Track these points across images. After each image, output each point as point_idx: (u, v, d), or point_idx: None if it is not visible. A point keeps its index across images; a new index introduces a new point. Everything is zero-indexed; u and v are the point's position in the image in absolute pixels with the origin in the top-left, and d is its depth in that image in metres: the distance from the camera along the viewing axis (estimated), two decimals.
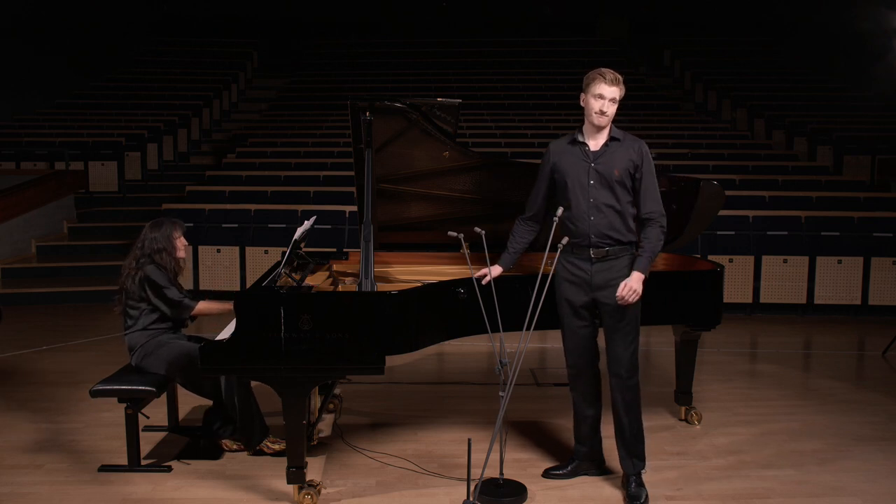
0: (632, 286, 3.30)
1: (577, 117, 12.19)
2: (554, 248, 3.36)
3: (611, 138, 3.38)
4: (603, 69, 3.33)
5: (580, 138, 3.41)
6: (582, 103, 3.38)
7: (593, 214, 3.34)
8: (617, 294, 3.31)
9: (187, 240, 4.01)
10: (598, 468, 3.66)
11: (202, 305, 3.86)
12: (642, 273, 3.32)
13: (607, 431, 3.64)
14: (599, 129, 3.36)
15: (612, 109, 3.31)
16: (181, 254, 3.90)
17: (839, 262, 7.41)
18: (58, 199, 9.56)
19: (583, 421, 3.60)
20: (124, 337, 3.84)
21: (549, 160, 3.48)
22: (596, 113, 3.30)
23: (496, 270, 3.59)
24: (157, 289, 3.75)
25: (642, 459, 3.52)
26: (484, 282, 3.54)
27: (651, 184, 3.38)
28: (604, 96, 3.28)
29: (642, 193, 3.36)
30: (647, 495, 3.43)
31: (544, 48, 15.76)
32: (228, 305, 3.91)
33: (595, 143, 3.39)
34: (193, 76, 14.33)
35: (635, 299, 3.32)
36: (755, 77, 14.00)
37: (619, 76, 3.33)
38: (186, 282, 7.56)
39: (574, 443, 3.67)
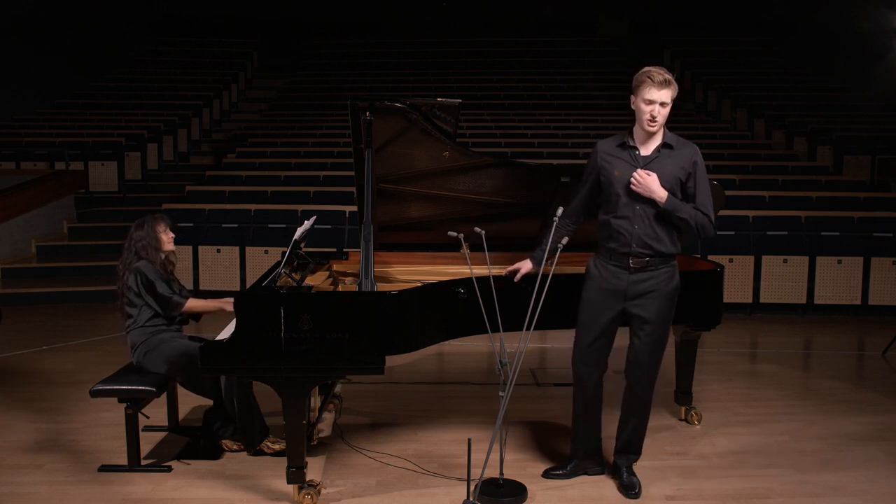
0: (648, 180, 3.14)
1: (577, 117, 12.21)
2: (554, 249, 3.36)
3: (663, 144, 3.26)
4: (652, 70, 3.18)
5: (630, 142, 3.29)
6: (633, 106, 3.25)
7: (638, 223, 3.23)
8: (635, 173, 3.17)
9: (188, 240, 4.02)
10: (597, 466, 3.65)
11: (192, 303, 3.87)
12: (666, 198, 3.16)
13: (607, 432, 3.64)
14: (651, 134, 3.25)
15: (663, 113, 3.17)
16: (169, 247, 3.91)
17: (839, 262, 7.41)
18: (58, 199, 9.56)
19: (582, 423, 3.58)
20: (126, 336, 3.85)
21: (595, 161, 3.36)
22: (647, 119, 3.17)
23: (526, 266, 3.57)
24: (148, 284, 3.76)
25: (638, 454, 3.56)
26: (516, 279, 3.54)
27: (705, 191, 3.25)
28: (653, 101, 3.15)
29: (698, 201, 3.23)
30: (640, 484, 3.46)
31: (544, 48, 15.76)
32: (219, 304, 3.93)
33: (646, 147, 3.26)
34: (193, 76, 14.33)
35: (638, 183, 3.16)
36: (755, 77, 14.00)
37: (669, 76, 3.17)
38: (187, 282, 7.56)
39: (571, 443, 3.66)
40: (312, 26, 16.24)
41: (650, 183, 3.16)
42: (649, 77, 3.16)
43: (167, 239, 3.90)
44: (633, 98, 3.24)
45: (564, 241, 3.35)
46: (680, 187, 3.26)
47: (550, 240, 3.44)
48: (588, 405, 3.53)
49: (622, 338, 3.47)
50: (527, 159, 9.44)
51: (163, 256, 3.89)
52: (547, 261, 3.40)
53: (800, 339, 6.69)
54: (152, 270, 3.79)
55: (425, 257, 4.47)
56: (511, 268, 3.61)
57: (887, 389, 5.12)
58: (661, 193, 3.17)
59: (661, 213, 3.23)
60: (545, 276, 3.38)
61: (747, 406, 4.74)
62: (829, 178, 9.53)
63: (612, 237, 3.30)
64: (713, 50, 15.40)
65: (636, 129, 3.29)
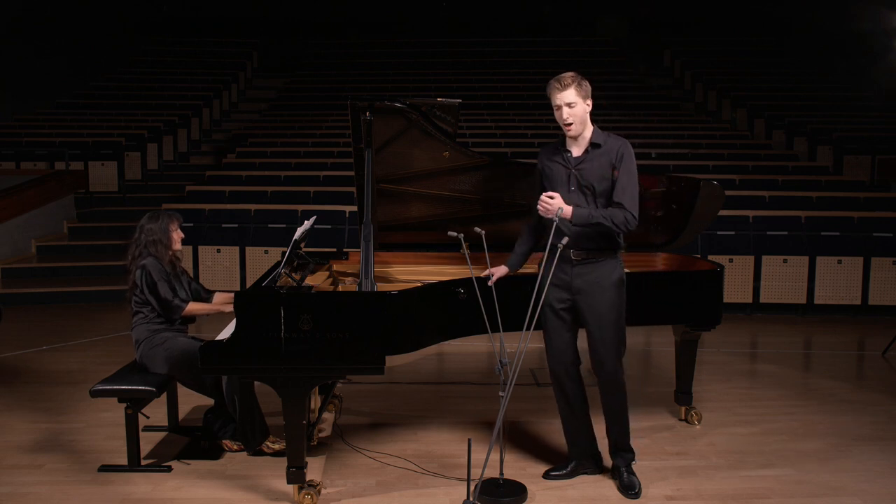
0: (551, 203, 3.21)
1: None
2: (554, 249, 3.36)
3: (592, 144, 3.35)
4: (556, 77, 3.28)
5: (563, 145, 3.43)
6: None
7: None
8: (539, 200, 3.25)
9: (188, 240, 4.02)
10: (596, 465, 3.67)
11: (192, 307, 3.87)
12: (571, 214, 3.23)
13: (601, 432, 3.63)
14: (575, 136, 3.35)
15: (574, 113, 3.27)
16: (177, 246, 3.91)
17: (839, 262, 7.41)
18: (58, 199, 9.57)
19: (570, 423, 3.61)
20: (131, 331, 3.85)
21: (539, 166, 3.51)
22: (562, 124, 3.31)
23: (501, 271, 3.60)
24: (151, 284, 3.76)
25: (631, 452, 3.57)
26: (490, 282, 3.54)
27: (626, 181, 3.29)
28: (559, 105, 3.27)
29: (616, 190, 3.29)
30: (640, 484, 3.47)
31: (544, 48, 15.77)
32: (218, 308, 3.92)
33: (577, 148, 3.39)
34: (193, 76, 14.34)
35: (544, 209, 3.23)
36: (755, 77, 14.01)
37: (570, 78, 3.26)
38: None
39: (567, 444, 3.67)
40: (312, 26, 16.24)
41: (554, 205, 3.24)
42: (550, 84, 3.29)
43: (177, 237, 3.91)
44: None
45: (565, 240, 3.34)
46: (611, 183, 3.33)
47: (550, 241, 3.45)
48: (571, 403, 3.55)
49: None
50: (527, 159, 9.44)
51: (170, 254, 3.89)
52: (547, 261, 3.40)
53: (800, 339, 6.69)
54: (158, 270, 3.79)
55: (425, 257, 4.48)
56: (487, 272, 3.60)
57: (887, 389, 5.12)
58: (566, 211, 3.25)
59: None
60: (544, 276, 3.38)
61: (747, 406, 4.74)
62: (829, 178, 9.53)
63: (556, 234, 3.37)
64: (713, 50, 15.41)
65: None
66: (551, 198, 3.26)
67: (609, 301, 3.38)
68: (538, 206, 3.28)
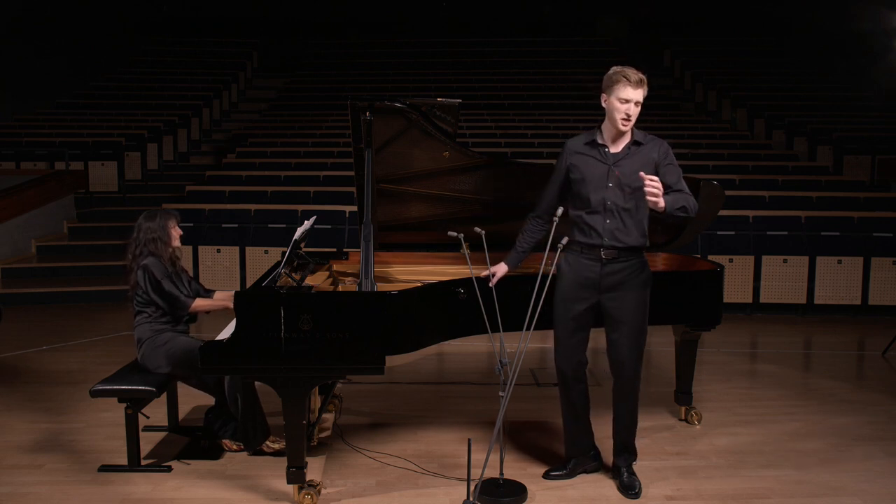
0: (659, 186, 3.08)
1: (577, 117, 12.21)
2: (554, 248, 3.35)
3: (633, 141, 3.30)
4: (627, 70, 3.21)
5: (599, 139, 3.33)
6: (604, 104, 3.28)
7: (609, 217, 3.28)
8: (645, 177, 3.09)
9: (188, 241, 4.01)
10: (594, 462, 3.67)
11: (198, 303, 3.88)
12: (664, 201, 3.12)
13: (605, 432, 3.64)
14: (622, 132, 3.28)
15: (636, 112, 3.22)
16: (176, 242, 3.92)
17: (839, 262, 7.41)
18: (58, 199, 9.56)
19: (573, 421, 3.60)
20: (133, 330, 3.85)
21: (565, 159, 3.41)
22: (621, 118, 3.21)
23: (502, 269, 3.58)
24: (155, 283, 3.76)
25: (634, 453, 3.57)
26: (491, 283, 3.51)
27: (676, 173, 3.29)
28: (629, 100, 3.19)
29: (673, 182, 3.26)
30: (640, 484, 3.47)
31: (544, 48, 15.77)
32: (224, 304, 3.93)
33: (616, 145, 3.31)
34: (193, 76, 14.33)
35: (651, 188, 3.07)
36: (755, 77, 14.00)
37: (644, 76, 3.22)
38: None
39: (566, 443, 3.67)
40: (312, 26, 16.24)
41: (661, 190, 3.13)
42: (625, 76, 3.20)
43: (176, 235, 3.92)
44: (604, 96, 3.28)
45: (565, 240, 3.34)
46: None
47: (550, 240, 3.45)
48: (574, 403, 3.54)
49: (601, 339, 3.48)
50: (527, 159, 9.45)
51: (170, 251, 3.90)
52: (546, 261, 3.40)
53: (800, 339, 6.69)
54: (160, 268, 3.79)
55: (425, 257, 4.48)
56: (487, 271, 3.57)
57: (887, 389, 5.12)
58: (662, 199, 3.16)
59: (631, 209, 3.28)
60: (545, 276, 3.38)
61: (747, 406, 4.74)
62: (829, 178, 9.53)
63: (583, 232, 3.34)
64: (713, 50, 15.40)
65: (605, 127, 3.33)
66: (653, 180, 3.11)
67: (637, 301, 3.35)
68: (647, 189, 3.07)
